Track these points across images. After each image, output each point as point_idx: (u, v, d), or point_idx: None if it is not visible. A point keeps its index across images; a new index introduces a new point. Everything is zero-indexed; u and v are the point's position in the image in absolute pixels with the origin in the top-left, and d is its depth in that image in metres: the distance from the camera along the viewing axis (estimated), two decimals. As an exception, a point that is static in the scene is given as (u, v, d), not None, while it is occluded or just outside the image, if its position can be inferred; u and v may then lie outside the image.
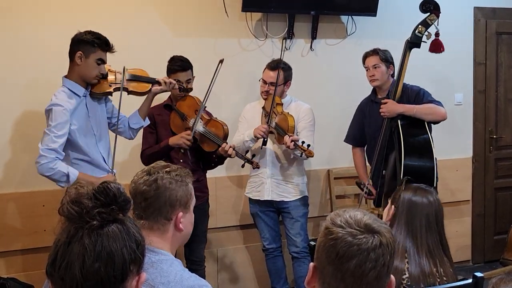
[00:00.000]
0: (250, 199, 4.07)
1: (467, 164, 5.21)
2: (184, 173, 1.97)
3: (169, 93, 3.74)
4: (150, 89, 3.42)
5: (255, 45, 4.46)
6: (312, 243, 2.64)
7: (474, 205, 5.28)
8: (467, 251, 5.29)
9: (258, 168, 3.77)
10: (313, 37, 4.59)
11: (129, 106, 3.51)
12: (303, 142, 3.56)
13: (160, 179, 1.90)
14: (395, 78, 3.78)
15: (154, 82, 3.43)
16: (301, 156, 3.63)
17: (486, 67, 5.20)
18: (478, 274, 2.17)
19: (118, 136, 3.45)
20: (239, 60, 4.41)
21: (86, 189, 1.26)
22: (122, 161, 4.04)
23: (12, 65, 3.81)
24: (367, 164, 4.10)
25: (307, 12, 4.45)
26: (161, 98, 3.81)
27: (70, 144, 3.16)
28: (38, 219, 3.84)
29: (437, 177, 3.86)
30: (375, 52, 3.86)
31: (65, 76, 3.22)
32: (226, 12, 4.28)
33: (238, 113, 4.18)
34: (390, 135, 3.63)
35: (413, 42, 3.64)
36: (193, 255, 3.81)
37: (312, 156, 3.59)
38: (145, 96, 3.47)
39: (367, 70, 3.90)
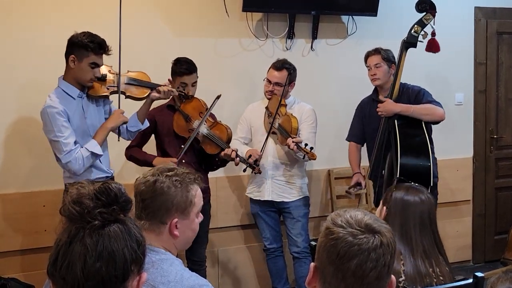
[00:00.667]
0: (251, 199, 4.07)
1: (468, 164, 5.21)
2: (189, 179, 1.95)
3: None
4: (149, 95, 3.40)
5: (255, 45, 4.46)
6: (313, 243, 2.64)
7: (474, 205, 5.28)
8: (468, 251, 5.29)
9: (260, 173, 3.77)
10: (314, 37, 4.59)
11: (128, 107, 3.50)
12: (306, 145, 3.56)
13: (159, 182, 1.90)
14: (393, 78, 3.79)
15: (153, 88, 3.40)
16: (303, 158, 3.63)
17: (487, 67, 5.20)
18: (479, 274, 2.16)
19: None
20: (240, 60, 4.41)
21: (87, 189, 1.27)
22: (120, 162, 4.04)
23: (10, 66, 3.81)
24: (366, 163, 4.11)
25: (307, 12, 4.45)
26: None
27: None
28: (38, 219, 3.84)
29: (437, 177, 3.88)
30: (377, 51, 3.86)
31: (62, 77, 3.22)
32: (226, 12, 4.28)
33: (238, 112, 4.18)
34: (388, 134, 3.64)
35: (409, 42, 3.64)
36: (194, 255, 3.81)
37: (315, 159, 3.58)
38: (143, 101, 3.45)
39: (369, 70, 3.90)
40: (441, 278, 2.19)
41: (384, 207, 2.36)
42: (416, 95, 3.75)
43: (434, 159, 3.81)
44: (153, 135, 3.82)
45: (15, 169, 3.88)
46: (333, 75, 4.70)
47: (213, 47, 4.34)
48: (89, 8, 3.95)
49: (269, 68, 3.91)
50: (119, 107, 3.30)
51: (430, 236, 2.28)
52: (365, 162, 4.16)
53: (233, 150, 3.61)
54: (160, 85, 3.41)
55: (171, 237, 1.91)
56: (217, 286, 4.41)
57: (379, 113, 3.66)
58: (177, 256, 1.94)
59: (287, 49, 4.53)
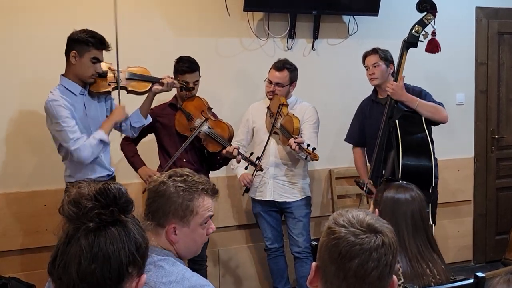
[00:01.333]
0: (252, 199, 4.07)
1: (469, 164, 5.20)
2: (197, 188, 1.92)
3: (172, 93, 3.73)
4: (151, 88, 3.42)
5: (256, 45, 4.46)
6: (314, 243, 2.64)
7: (475, 205, 5.28)
8: (469, 251, 5.29)
9: (262, 170, 3.76)
10: (315, 37, 4.59)
11: (131, 104, 3.52)
12: (308, 145, 3.55)
13: (163, 184, 1.90)
14: (393, 78, 3.78)
15: (154, 81, 3.43)
16: (305, 158, 3.63)
17: (488, 67, 5.19)
18: (480, 274, 2.16)
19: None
20: (241, 59, 4.41)
21: (87, 189, 1.26)
22: (122, 160, 4.04)
23: (11, 64, 3.81)
24: (368, 164, 4.10)
25: (309, 12, 4.45)
26: (168, 96, 3.80)
27: None
28: (39, 218, 3.84)
29: (437, 177, 3.87)
30: (374, 51, 3.86)
31: (63, 74, 3.23)
32: (227, 11, 4.28)
33: (239, 112, 4.18)
34: (389, 135, 3.63)
35: (410, 42, 3.64)
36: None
37: (317, 160, 3.58)
38: (145, 95, 3.47)
39: (367, 69, 3.90)
40: (438, 277, 2.19)
41: (376, 210, 2.32)
42: (418, 96, 3.74)
43: (435, 159, 3.80)
44: (153, 135, 3.83)
45: (16, 169, 3.88)
46: (334, 75, 4.69)
47: (214, 47, 4.34)
48: (89, 7, 3.95)
49: (270, 69, 3.91)
50: (119, 103, 3.31)
51: (423, 235, 2.26)
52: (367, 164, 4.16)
53: (234, 148, 3.61)
54: (160, 79, 3.43)
55: (169, 243, 1.91)
56: (218, 286, 4.41)
57: (387, 90, 3.64)
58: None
59: (288, 49, 4.53)
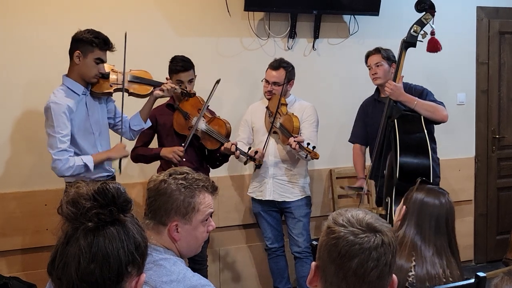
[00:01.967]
0: (252, 198, 4.06)
1: (470, 163, 5.20)
2: (197, 185, 1.93)
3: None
4: (152, 92, 3.43)
5: (257, 45, 4.46)
6: (314, 243, 2.64)
7: (476, 205, 5.28)
8: (470, 251, 5.28)
9: (261, 164, 3.76)
10: (316, 36, 4.59)
11: (131, 107, 3.52)
12: (308, 144, 3.55)
13: (164, 183, 1.90)
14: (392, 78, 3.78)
15: (156, 85, 3.43)
16: (306, 157, 3.63)
17: (489, 66, 5.19)
18: (481, 274, 2.16)
19: (118, 137, 3.46)
20: (241, 59, 4.41)
21: (85, 189, 1.26)
22: (122, 161, 4.05)
23: (13, 65, 3.82)
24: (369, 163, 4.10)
25: (309, 12, 4.45)
26: (165, 98, 3.81)
27: (70, 143, 3.17)
28: (40, 218, 3.84)
29: (439, 177, 3.87)
30: (377, 50, 3.86)
31: (66, 75, 3.24)
32: (228, 11, 4.28)
33: (239, 112, 4.18)
34: (388, 134, 3.63)
35: (409, 42, 3.64)
36: (195, 255, 3.80)
37: (317, 158, 3.58)
38: (146, 99, 3.47)
39: (369, 69, 3.90)
40: (450, 279, 2.19)
41: (404, 206, 2.38)
42: (419, 95, 3.74)
43: (437, 158, 3.80)
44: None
45: (17, 168, 3.89)
46: (335, 74, 4.69)
47: (215, 47, 4.34)
48: (92, 8, 3.95)
49: (267, 69, 3.91)
50: (122, 105, 3.31)
51: (445, 239, 2.29)
52: (368, 161, 4.15)
53: (232, 144, 3.61)
54: (162, 83, 3.43)
55: (172, 241, 1.91)
56: (218, 286, 4.41)
57: (386, 90, 3.64)
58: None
59: (289, 49, 4.53)
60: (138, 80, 3.42)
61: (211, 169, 3.95)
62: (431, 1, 3.64)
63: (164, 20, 4.19)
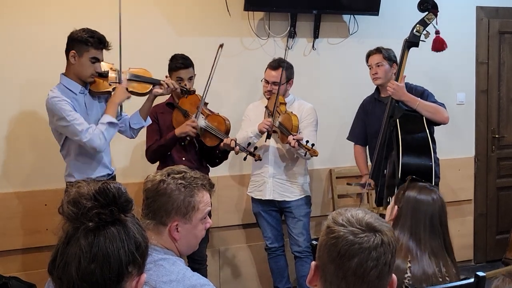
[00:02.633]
0: (252, 198, 4.06)
1: (469, 163, 5.20)
2: (196, 184, 1.93)
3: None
4: (151, 90, 3.43)
5: (257, 44, 4.46)
6: (314, 242, 2.64)
7: (476, 204, 5.28)
8: (469, 250, 5.29)
9: (260, 160, 3.74)
10: (315, 36, 4.59)
11: (130, 106, 3.52)
12: (307, 142, 3.55)
13: (163, 183, 1.89)
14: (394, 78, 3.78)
15: (155, 83, 3.43)
16: (305, 155, 3.63)
17: (489, 66, 5.19)
18: (480, 274, 2.16)
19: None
20: (241, 59, 4.41)
21: (86, 189, 1.26)
22: (122, 160, 4.05)
23: (12, 64, 3.82)
24: (369, 162, 4.10)
25: (309, 11, 4.45)
26: (165, 97, 3.81)
27: (70, 141, 3.18)
28: (40, 218, 3.84)
29: (439, 177, 3.87)
30: (378, 50, 3.86)
31: (63, 74, 3.24)
32: (228, 11, 4.28)
33: (239, 111, 4.18)
34: (390, 134, 3.64)
35: (411, 42, 3.64)
36: (195, 254, 3.76)
37: (317, 156, 3.58)
38: (146, 97, 3.47)
39: (370, 69, 3.90)
40: (447, 279, 2.19)
41: (396, 206, 2.35)
42: (420, 96, 3.74)
43: (437, 159, 3.80)
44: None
45: (17, 168, 3.89)
46: (335, 74, 4.69)
47: (215, 46, 4.32)
48: (92, 8, 3.95)
49: (266, 68, 3.92)
50: (121, 105, 3.32)
51: (440, 240, 2.28)
52: (368, 161, 4.15)
53: (232, 139, 3.61)
54: (161, 81, 3.43)
55: (172, 240, 1.91)
56: (218, 285, 4.41)
57: (388, 90, 3.64)
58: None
59: (289, 49, 4.52)
60: (138, 78, 3.42)
61: (210, 168, 3.95)
62: (434, 1, 3.64)
63: (164, 20, 4.19)
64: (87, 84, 3.27)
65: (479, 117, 5.20)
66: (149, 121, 3.57)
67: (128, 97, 3.33)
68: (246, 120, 4.04)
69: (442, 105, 3.73)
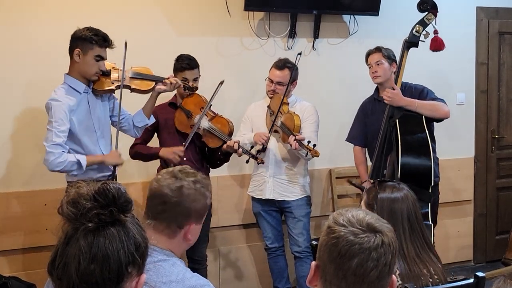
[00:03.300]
0: (252, 198, 4.07)
1: (469, 164, 5.20)
2: (206, 185, 1.95)
3: (173, 92, 3.74)
4: (154, 88, 3.44)
5: (257, 44, 4.46)
6: (314, 242, 2.63)
7: (476, 205, 5.28)
8: (469, 251, 5.29)
9: (263, 163, 3.75)
10: (315, 36, 4.59)
11: (134, 105, 3.53)
12: (308, 142, 3.55)
13: (185, 188, 1.88)
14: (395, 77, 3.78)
15: (158, 80, 3.44)
16: (306, 155, 3.63)
17: (488, 67, 5.19)
18: (480, 274, 2.16)
19: (121, 134, 3.46)
20: (241, 59, 4.42)
21: (85, 189, 1.25)
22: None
23: (14, 64, 3.82)
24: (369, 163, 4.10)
25: (309, 12, 4.45)
26: (167, 96, 3.81)
27: (71, 141, 3.18)
28: (39, 218, 3.84)
29: (438, 176, 3.87)
30: (378, 49, 3.87)
31: (67, 73, 3.24)
32: (228, 11, 4.28)
33: (240, 111, 4.18)
34: (389, 134, 3.64)
35: (411, 42, 3.65)
36: (195, 254, 3.81)
37: (318, 156, 3.58)
38: (149, 95, 3.48)
39: (370, 68, 3.90)
40: (435, 276, 2.19)
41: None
42: (420, 93, 3.75)
43: (436, 158, 3.80)
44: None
45: (17, 168, 3.89)
46: (335, 74, 4.69)
47: (215, 46, 4.34)
48: (93, 8, 3.95)
49: (271, 68, 3.92)
50: (120, 101, 3.32)
51: (420, 236, 2.25)
52: (368, 162, 4.15)
53: (235, 142, 3.62)
54: (164, 78, 3.44)
55: (183, 241, 1.91)
56: (218, 285, 4.41)
57: (385, 98, 3.65)
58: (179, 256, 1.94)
59: (289, 49, 4.53)
60: (140, 76, 3.44)
61: (211, 169, 3.95)
62: (433, 1, 3.65)
63: (164, 20, 4.19)
64: (90, 83, 3.28)
65: (479, 118, 5.20)
66: (152, 119, 3.58)
67: (119, 164, 3.34)
68: (246, 122, 4.04)
69: (442, 100, 3.73)
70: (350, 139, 4.19)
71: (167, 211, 1.87)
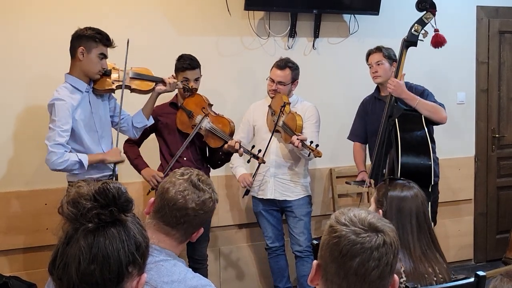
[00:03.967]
0: (253, 197, 4.07)
1: (470, 163, 5.20)
2: (215, 192, 1.99)
3: (173, 93, 3.74)
4: (154, 88, 3.44)
5: (257, 44, 4.46)
6: (315, 242, 2.63)
7: (476, 204, 5.28)
8: (469, 250, 5.29)
9: (264, 163, 3.74)
10: (316, 35, 4.59)
11: (133, 105, 3.53)
12: (311, 142, 3.55)
13: (208, 202, 1.91)
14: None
15: (158, 81, 3.45)
16: (308, 156, 3.63)
17: (489, 66, 5.19)
18: (480, 273, 2.16)
19: (121, 135, 3.47)
20: (242, 58, 4.41)
21: (86, 189, 1.25)
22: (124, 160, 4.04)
23: (15, 63, 3.82)
24: (369, 163, 4.10)
25: (309, 11, 4.45)
26: (168, 97, 3.81)
27: (73, 140, 3.18)
28: (40, 217, 3.84)
29: (438, 176, 3.87)
30: (378, 49, 3.87)
31: (68, 73, 3.24)
32: (228, 10, 4.28)
33: (240, 111, 4.18)
34: (389, 133, 3.64)
35: (410, 41, 3.64)
36: (195, 254, 3.81)
37: (320, 156, 3.57)
38: (148, 95, 3.48)
39: (370, 67, 3.90)
40: (440, 276, 2.19)
41: (380, 210, 2.28)
42: (420, 95, 3.74)
43: (436, 158, 3.80)
44: (154, 134, 3.83)
45: (17, 167, 3.89)
46: (335, 73, 4.69)
47: (215, 46, 4.34)
48: (93, 7, 3.96)
49: (272, 67, 3.91)
50: (121, 102, 3.32)
51: (427, 235, 2.25)
52: (368, 160, 4.15)
53: (236, 142, 3.61)
54: (164, 78, 3.45)
55: (188, 241, 1.97)
56: (219, 285, 4.41)
57: (388, 87, 3.64)
58: (179, 255, 1.94)
59: (289, 48, 4.53)
60: (140, 76, 3.44)
61: (212, 169, 3.95)
62: (432, 0, 3.64)
63: (165, 19, 4.19)
64: (91, 83, 3.29)
65: (479, 117, 5.20)
66: (151, 120, 3.58)
67: (121, 161, 3.36)
68: (245, 124, 4.04)
69: (442, 105, 3.73)
70: (351, 136, 4.19)
71: (187, 222, 1.89)
